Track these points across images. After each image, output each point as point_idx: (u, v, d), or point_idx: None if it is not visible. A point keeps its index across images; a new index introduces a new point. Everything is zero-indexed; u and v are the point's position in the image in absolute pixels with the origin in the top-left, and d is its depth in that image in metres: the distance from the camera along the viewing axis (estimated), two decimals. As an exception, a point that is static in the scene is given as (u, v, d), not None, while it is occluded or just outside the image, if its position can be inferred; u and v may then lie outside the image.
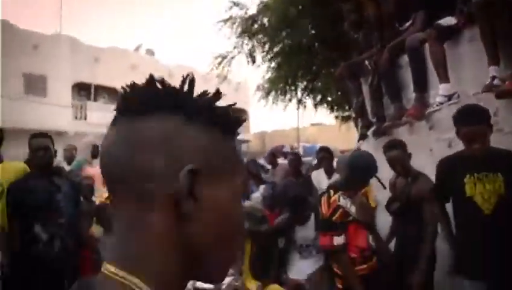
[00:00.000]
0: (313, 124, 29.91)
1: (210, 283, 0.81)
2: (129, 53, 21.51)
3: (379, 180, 3.47)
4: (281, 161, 6.56)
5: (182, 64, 23.51)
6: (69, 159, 5.32)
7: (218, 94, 0.64)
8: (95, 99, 19.83)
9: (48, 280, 3.08)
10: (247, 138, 25.61)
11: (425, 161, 3.65)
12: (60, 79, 17.72)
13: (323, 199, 3.10)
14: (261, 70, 8.25)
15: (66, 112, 17.81)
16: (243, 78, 24.67)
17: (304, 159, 6.23)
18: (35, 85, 17.17)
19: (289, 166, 5.47)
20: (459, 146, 3.19)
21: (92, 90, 19.38)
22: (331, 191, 3.10)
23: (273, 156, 6.42)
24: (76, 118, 18.45)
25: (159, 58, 23.70)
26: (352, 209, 3.10)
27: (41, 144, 3.27)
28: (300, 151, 12.37)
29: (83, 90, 19.66)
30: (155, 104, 0.61)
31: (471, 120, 2.58)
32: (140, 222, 0.57)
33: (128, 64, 20.44)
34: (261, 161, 6.65)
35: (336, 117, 7.73)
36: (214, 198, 0.59)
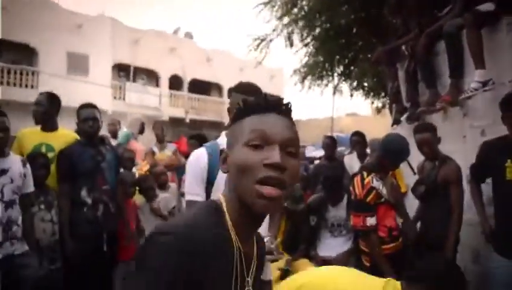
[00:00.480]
0: (348, 114, 29.67)
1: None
2: (168, 36, 21.85)
3: (409, 165, 3.56)
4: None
5: (219, 48, 23.74)
6: (113, 133, 5.61)
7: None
8: (134, 80, 20.31)
9: (89, 242, 3.33)
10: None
11: (458, 148, 3.72)
12: (101, 59, 18.23)
13: (357, 180, 3.18)
14: (297, 57, 8.35)
15: (105, 91, 18.32)
16: (278, 67, 24.75)
17: (339, 148, 6.31)
18: (78, 64, 17.72)
19: (324, 149, 5.58)
20: (492, 134, 3.26)
21: (131, 71, 19.84)
22: (364, 173, 3.19)
23: None
24: (115, 98, 18.94)
25: (197, 41, 24.01)
26: (384, 191, 3.21)
27: (90, 114, 3.48)
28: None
29: (122, 71, 20.16)
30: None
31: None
32: None
33: (167, 46, 20.82)
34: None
35: (372, 103, 7.73)
36: None
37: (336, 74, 6.51)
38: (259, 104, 1.05)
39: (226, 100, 23.94)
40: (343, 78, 6.58)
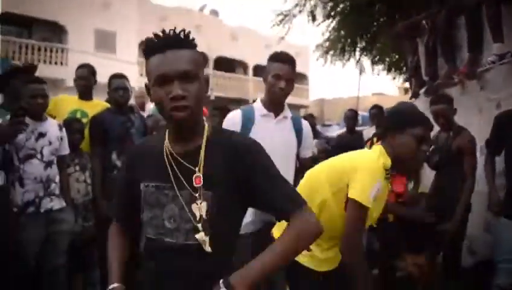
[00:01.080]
0: (374, 94, 29.40)
1: None
2: (194, 13, 21.99)
3: None
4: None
5: (244, 26, 23.77)
6: (141, 105, 5.85)
7: None
8: (160, 58, 20.59)
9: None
10: (306, 104, 25.71)
11: (474, 121, 3.81)
12: (128, 37, 18.54)
13: (367, 145, 3.34)
14: (321, 33, 8.40)
15: (132, 68, 18.67)
16: (303, 44, 24.63)
17: (362, 128, 6.38)
18: (105, 41, 18.08)
19: (345, 122, 5.70)
20: (508, 106, 3.34)
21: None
22: (375, 139, 3.33)
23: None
24: (141, 75, 19.26)
25: (223, 18, 24.06)
26: None
27: (120, 83, 3.70)
28: (360, 120, 12.51)
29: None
30: None
31: None
32: None
33: (193, 24, 20.96)
34: (318, 128, 6.86)
35: (394, 78, 7.73)
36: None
37: (357, 49, 6.55)
38: (159, 44, 1.26)
39: (251, 78, 24.07)
40: (364, 53, 6.63)
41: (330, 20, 6.46)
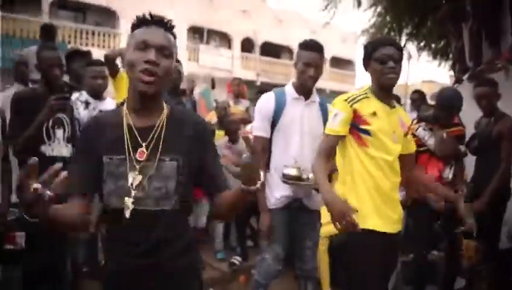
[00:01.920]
0: (424, 81, 28.62)
1: None
2: (241, -2, 22.12)
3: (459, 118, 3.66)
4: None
5: (290, 10, 23.67)
6: (190, 90, 6.15)
7: None
8: (207, 43, 20.94)
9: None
10: (352, 90, 25.44)
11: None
12: (177, 22, 18.77)
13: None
14: (367, 18, 8.35)
15: (181, 53, 19.04)
16: (350, 30, 24.29)
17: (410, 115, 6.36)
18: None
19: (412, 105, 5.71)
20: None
21: (205, 34, 20.45)
22: (414, 122, 3.39)
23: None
24: (189, 59, 19.70)
25: (269, 2, 24.07)
26: (430, 141, 3.41)
27: (176, 67, 4.00)
28: (407, 108, 12.36)
29: (196, 33, 20.85)
30: None
31: None
32: None
33: (240, 8, 21.13)
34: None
35: (439, 65, 7.58)
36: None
37: (403, 34, 6.53)
38: (145, 19, 1.44)
39: (296, 63, 24.02)
40: (411, 39, 6.58)
41: (375, 5, 6.47)
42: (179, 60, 4.14)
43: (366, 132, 2.18)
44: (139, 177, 1.38)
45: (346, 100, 2.21)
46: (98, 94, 3.37)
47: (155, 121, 1.45)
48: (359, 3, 6.54)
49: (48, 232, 1.73)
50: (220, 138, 4.76)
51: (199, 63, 19.67)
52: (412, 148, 2.46)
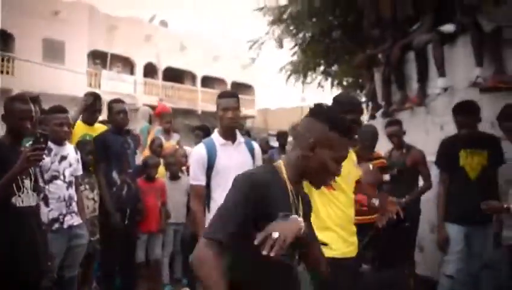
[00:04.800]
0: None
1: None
2: (144, 23, 22.07)
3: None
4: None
5: (194, 36, 24.01)
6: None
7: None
8: (110, 68, 20.49)
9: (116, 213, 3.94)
10: (252, 114, 26.32)
11: (421, 139, 4.56)
12: (77, 46, 18.30)
13: None
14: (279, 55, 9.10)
15: (81, 78, 18.46)
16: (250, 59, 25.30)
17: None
18: (54, 51, 17.76)
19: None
20: (449, 128, 4.13)
21: (108, 58, 20.01)
22: None
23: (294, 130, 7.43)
24: (90, 85, 19.08)
25: (172, 29, 24.21)
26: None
27: (121, 108, 4.11)
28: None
29: (98, 58, 20.32)
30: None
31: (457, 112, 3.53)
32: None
33: (143, 34, 21.05)
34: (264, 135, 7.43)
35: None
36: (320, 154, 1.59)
37: (319, 72, 7.30)
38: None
39: (199, 88, 24.41)
40: (325, 77, 7.38)
41: (296, 46, 7.19)
42: (123, 101, 4.33)
43: None
44: None
45: None
46: (61, 141, 3.43)
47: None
48: (281, 46, 7.21)
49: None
50: (162, 174, 4.93)
51: (101, 89, 19.14)
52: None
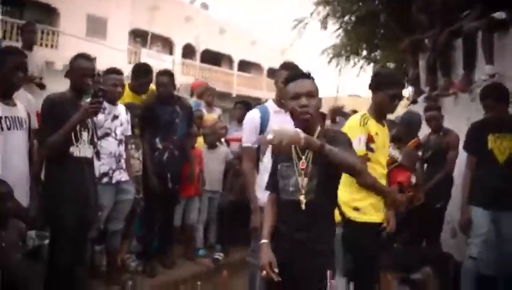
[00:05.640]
0: (350, 95, 30.44)
1: None
2: (185, 4, 22.30)
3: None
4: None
5: (232, 21, 24.16)
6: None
7: None
8: (150, 47, 20.84)
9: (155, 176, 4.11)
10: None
11: (463, 126, 4.50)
12: (119, 24, 18.69)
13: None
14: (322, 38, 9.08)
15: (122, 56, 18.81)
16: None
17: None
18: (96, 27, 18.19)
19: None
20: (494, 117, 4.10)
21: (149, 37, 20.35)
22: None
23: (334, 113, 7.46)
24: (130, 62, 19.40)
25: (212, 12, 24.37)
26: (400, 157, 4.07)
27: (163, 80, 4.25)
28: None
29: (138, 36, 20.69)
30: None
31: (483, 96, 3.53)
32: None
33: (183, 15, 21.32)
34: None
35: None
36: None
37: (361, 56, 7.28)
38: (295, 75, 2.18)
39: (235, 72, 24.57)
40: (367, 61, 7.36)
41: (340, 29, 7.18)
42: (170, 73, 4.47)
43: (371, 149, 2.68)
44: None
45: (361, 125, 2.68)
46: (114, 100, 3.60)
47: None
48: (325, 27, 7.21)
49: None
50: (200, 144, 5.08)
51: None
52: None
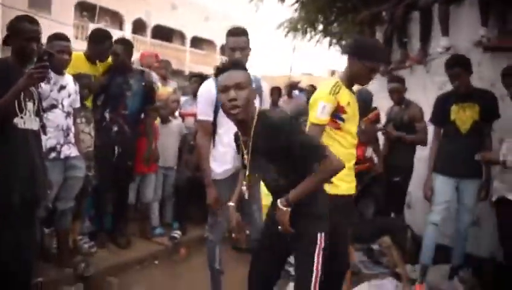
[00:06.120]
0: (303, 74, 30.67)
1: None
2: (135, -21, 21.43)
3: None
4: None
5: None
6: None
7: None
8: (98, 22, 19.96)
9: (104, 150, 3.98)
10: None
11: (419, 98, 4.56)
12: (64, -4, 17.79)
13: None
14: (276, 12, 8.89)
15: (67, 30, 17.93)
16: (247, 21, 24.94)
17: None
18: (40, 0, 17.25)
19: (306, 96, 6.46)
20: (449, 88, 4.15)
21: (97, 11, 19.47)
22: None
23: (290, 88, 7.45)
24: (76, 38, 18.58)
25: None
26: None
27: (115, 49, 4.06)
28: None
29: (85, 10, 19.76)
30: None
31: (451, 64, 3.54)
32: None
33: (133, -11, 20.50)
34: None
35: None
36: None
37: (318, 30, 7.20)
38: (223, 67, 2.10)
39: (188, 49, 24.04)
40: (324, 35, 7.28)
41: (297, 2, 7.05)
42: (125, 40, 4.23)
43: (342, 119, 2.59)
44: None
45: (331, 93, 2.53)
46: (60, 69, 3.34)
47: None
48: (282, 0, 7.04)
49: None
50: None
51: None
52: None
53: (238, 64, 2.12)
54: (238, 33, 2.98)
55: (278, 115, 2.13)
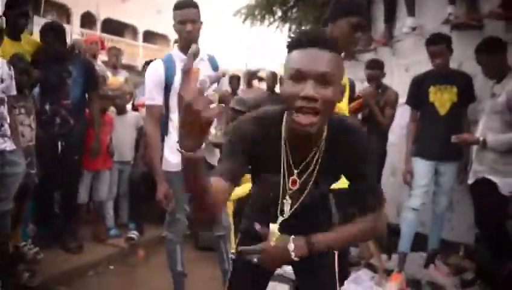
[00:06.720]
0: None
1: None
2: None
3: None
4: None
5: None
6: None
7: None
8: (43, 16, 18.94)
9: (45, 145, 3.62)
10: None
11: (386, 80, 4.40)
12: (5, -12, 16.74)
13: None
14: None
15: (10, 24, 16.95)
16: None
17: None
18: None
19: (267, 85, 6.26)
20: (415, 69, 4.02)
21: (42, 4, 18.46)
22: None
23: (250, 77, 7.18)
24: (20, 32, 17.58)
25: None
26: None
27: (45, 38, 3.82)
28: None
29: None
30: None
31: (436, 41, 3.36)
32: None
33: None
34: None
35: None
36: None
37: (277, 16, 6.94)
38: (301, 40, 1.23)
39: (140, 44, 23.29)
40: (283, 21, 7.02)
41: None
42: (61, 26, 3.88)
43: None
44: None
45: None
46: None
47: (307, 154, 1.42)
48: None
49: None
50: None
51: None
52: None
53: (327, 42, 1.24)
54: (186, 4, 2.68)
55: (362, 128, 1.60)
